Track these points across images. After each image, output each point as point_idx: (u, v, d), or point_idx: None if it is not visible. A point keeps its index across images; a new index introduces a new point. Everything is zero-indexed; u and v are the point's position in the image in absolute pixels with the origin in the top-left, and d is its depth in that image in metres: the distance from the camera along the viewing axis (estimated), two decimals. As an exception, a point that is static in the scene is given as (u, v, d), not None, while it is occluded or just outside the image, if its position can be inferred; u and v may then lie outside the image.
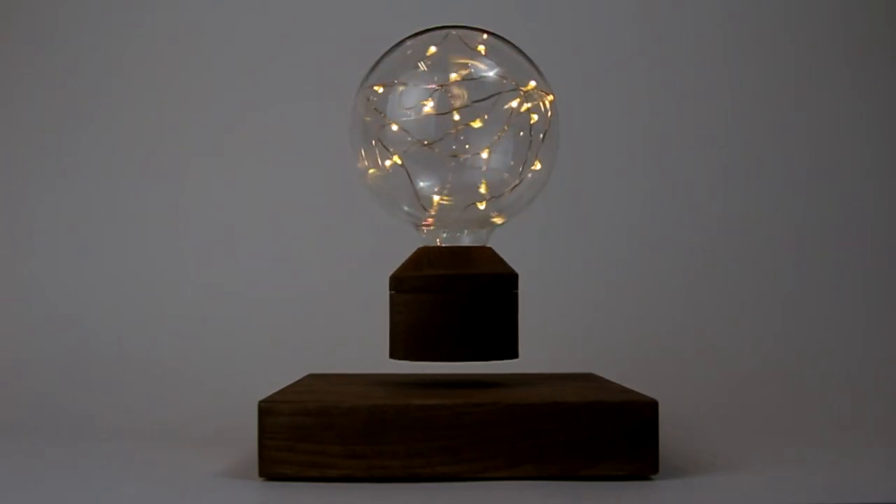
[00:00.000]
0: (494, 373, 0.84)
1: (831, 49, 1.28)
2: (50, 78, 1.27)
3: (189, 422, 0.96)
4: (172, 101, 1.27)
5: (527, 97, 0.80)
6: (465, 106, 0.78)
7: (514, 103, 0.79)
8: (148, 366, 1.15)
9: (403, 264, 0.80)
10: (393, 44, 0.83)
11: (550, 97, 0.81)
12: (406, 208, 0.81)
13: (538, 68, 0.82)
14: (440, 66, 0.79)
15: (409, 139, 0.78)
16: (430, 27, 0.82)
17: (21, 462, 0.79)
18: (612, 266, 1.23)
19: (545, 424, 0.69)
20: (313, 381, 0.83)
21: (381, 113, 0.79)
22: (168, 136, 1.26)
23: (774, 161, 1.26)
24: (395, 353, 0.79)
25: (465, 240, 0.81)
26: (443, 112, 0.78)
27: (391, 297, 0.79)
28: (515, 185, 0.80)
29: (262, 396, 0.71)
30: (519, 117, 0.79)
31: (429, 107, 0.78)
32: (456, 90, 0.78)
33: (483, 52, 0.80)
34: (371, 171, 0.81)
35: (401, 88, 0.79)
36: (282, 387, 0.79)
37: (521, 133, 0.79)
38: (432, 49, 0.80)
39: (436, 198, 0.79)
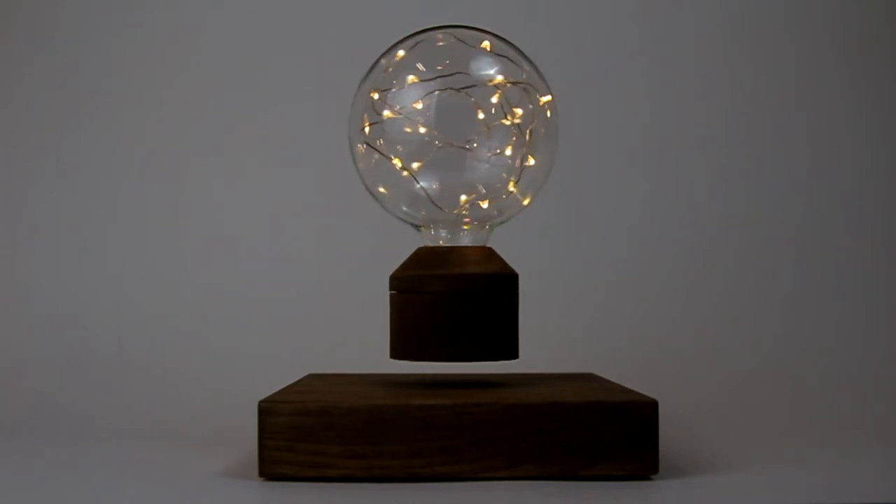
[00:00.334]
0: (494, 373, 0.84)
1: (831, 49, 1.28)
2: (50, 78, 1.27)
3: (189, 422, 0.96)
4: (172, 101, 1.27)
5: (526, 97, 0.80)
6: (464, 106, 0.78)
7: (513, 103, 0.79)
8: (148, 366, 1.15)
9: (403, 264, 0.80)
10: (392, 43, 0.83)
11: (549, 97, 0.81)
12: (405, 208, 0.81)
13: (537, 68, 0.82)
14: (438, 65, 0.79)
15: (408, 139, 0.78)
16: (428, 27, 0.82)
17: (21, 462, 0.79)
18: (612, 266, 1.23)
19: (545, 424, 0.69)
20: (313, 381, 0.83)
21: (379, 113, 0.79)
22: (168, 136, 1.26)
23: (774, 161, 1.26)
24: (395, 353, 0.79)
25: (465, 240, 0.81)
26: (441, 112, 0.78)
27: (391, 297, 0.79)
28: (515, 185, 0.80)
29: (262, 396, 0.71)
30: (518, 116, 0.79)
31: (428, 106, 0.78)
32: (455, 90, 0.78)
33: (482, 52, 0.80)
34: (370, 171, 0.81)
35: (399, 88, 0.79)
36: (282, 387, 0.79)
37: (521, 132, 0.79)
38: (431, 49, 0.80)
39: (435, 198, 0.79)
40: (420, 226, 0.82)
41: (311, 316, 1.19)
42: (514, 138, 0.79)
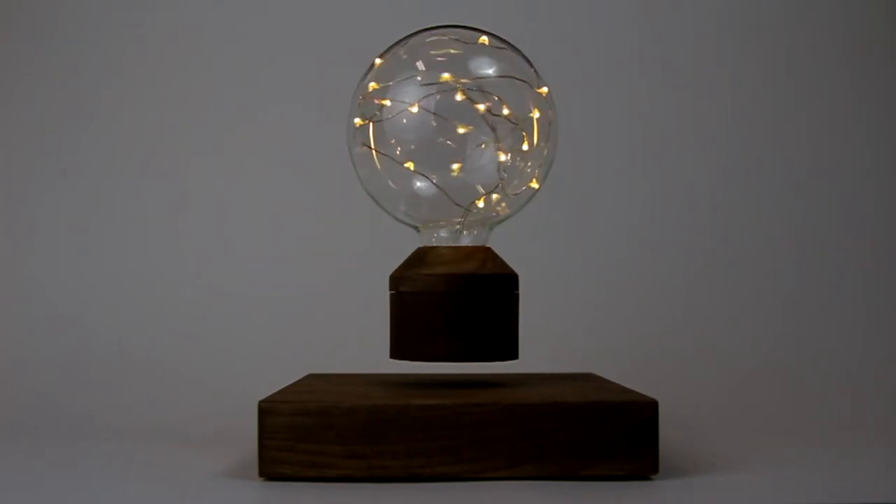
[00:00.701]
0: (494, 373, 0.84)
1: (831, 49, 1.28)
2: (50, 78, 1.27)
3: (189, 422, 0.96)
4: (172, 101, 1.27)
5: (525, 96, 0.80)
6: (463, 106, 0.78)
7: (513, 100, 0.79)
8: (148, 366, 1.15)
9: (403, 264, 0.80)
10: (390, 43, 0.83)
11: (546, 88, 0.81)
12: (404, 208, 0.81)
13: (535, 68, 0.82)
14: (437, 65, 0.79)
15: (407, 139, 0.79)
16: (427, 27, 0.82)
17: (21, 462, 0.79)
18: (612, 266, 1.23)
19: (545, 424, 0.69)
20: (313, 381, 0.83)
21: (378, 113, 0.79)
22: (168, 136, 1.26)
23: (774, 161, 1.26)
24: (395, 353, 0.79)
25: (465, 240, 0.81)
26: (440, 112, 0.78)
27: (391, 297, 0.79)
28: (514, 184, 0.80)
29: (262, 396, 0.71)
30: (517, 117, 0.79)
31: (426, 106, 0.78)
32: (453, 90, 0.78)
33: (481, 51, 0.80)
34: (369, 171, 0.81)
35: (398, 89, 0.79)
36: (282, 387, 0.79)
37: (520, 132, 0.79)
38: (429, 49, 0.80)
39: (435, 197, 0.79)
40: (419, 226, 0.82)
41: (311, 316, 1.19)
42: (515, 136, 0.79)
